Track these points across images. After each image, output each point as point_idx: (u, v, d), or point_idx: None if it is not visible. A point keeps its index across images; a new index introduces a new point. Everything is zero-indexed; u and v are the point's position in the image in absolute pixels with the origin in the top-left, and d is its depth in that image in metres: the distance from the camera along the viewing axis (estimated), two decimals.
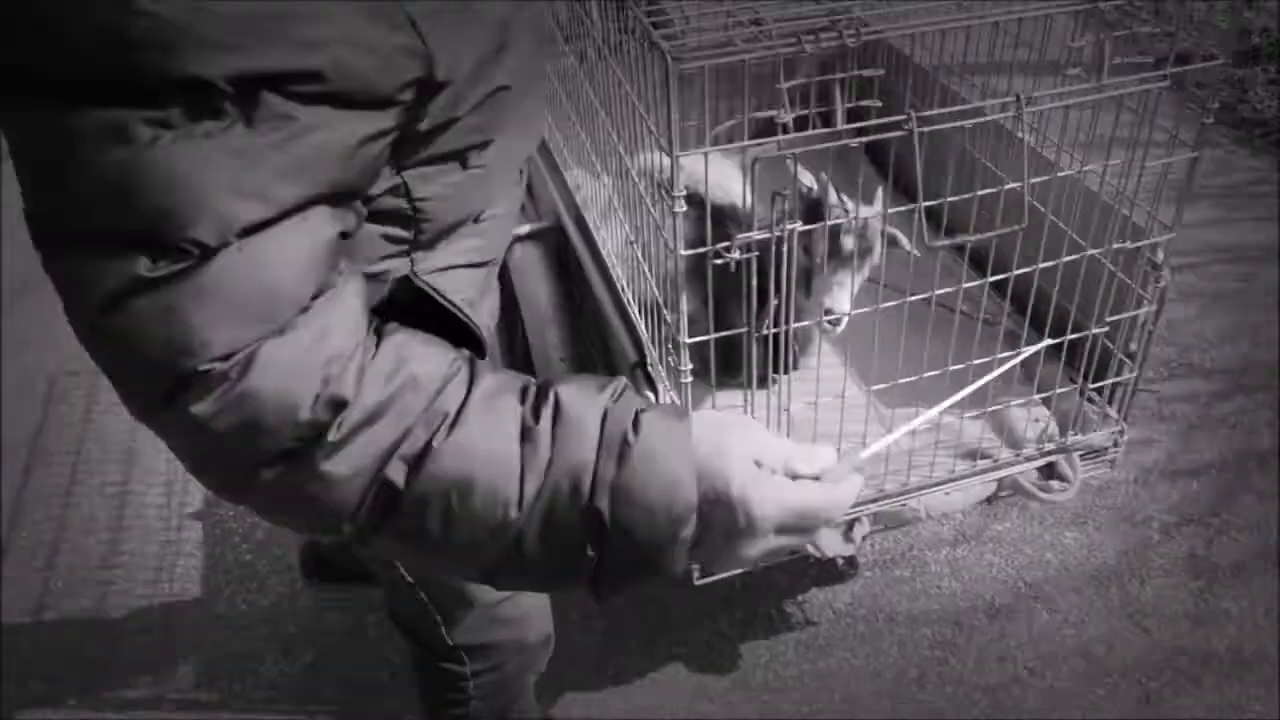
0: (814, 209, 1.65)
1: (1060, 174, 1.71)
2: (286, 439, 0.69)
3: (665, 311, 1.48)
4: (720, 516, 0.77)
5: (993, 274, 1.61)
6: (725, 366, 1.49)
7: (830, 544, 1.68)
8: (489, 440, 0.73)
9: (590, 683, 2.08)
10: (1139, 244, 1.59)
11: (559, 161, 2.02)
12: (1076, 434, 1.76)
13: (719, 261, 1.32)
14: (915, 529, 2.35)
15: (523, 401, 0.75)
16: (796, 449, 0.83)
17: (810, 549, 1.68)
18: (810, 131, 1.24)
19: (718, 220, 1.46)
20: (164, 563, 2.40)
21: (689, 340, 1.42)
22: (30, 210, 0.67)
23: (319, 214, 0.70)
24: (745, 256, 1.34)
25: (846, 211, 1.66)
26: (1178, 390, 2.69)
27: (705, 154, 1.27)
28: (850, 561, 2.29)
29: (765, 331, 1.42)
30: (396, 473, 0.71)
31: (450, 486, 0.72)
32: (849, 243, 1.69)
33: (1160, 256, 1.63)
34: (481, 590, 1.36)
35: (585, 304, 1.86)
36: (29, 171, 0.66)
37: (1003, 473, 1.74)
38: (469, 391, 0.74)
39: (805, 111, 1.75)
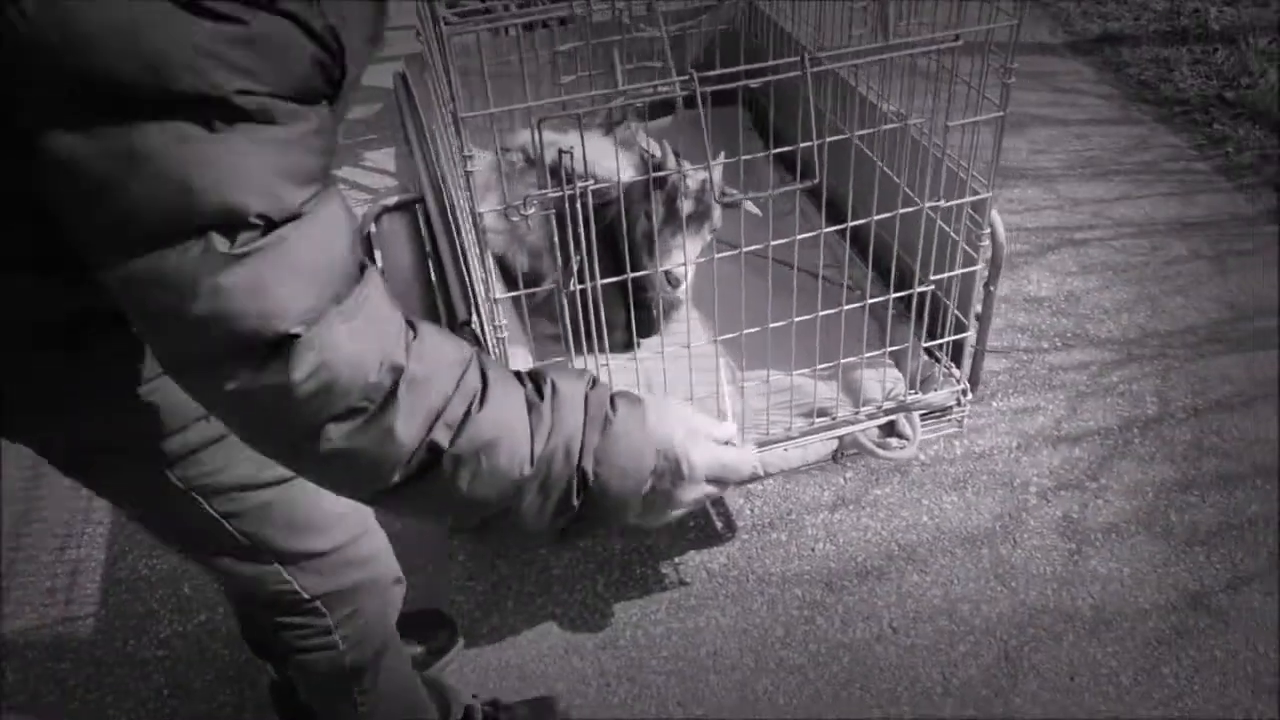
0: (656, 170, 1.71)
1: (880, 129, 1.77)
2: (356, 399, 0.82)
3: (475, 268, 1.53)
4: (667, 468, 1.01)
5: (839, 229, 1.68)
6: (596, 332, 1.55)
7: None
8: (508, 412, 0.91)
9: (467, 638, 2.13)
10: (953, 202, 1.64)
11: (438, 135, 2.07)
12: (916, 393, 1.81)
13: (515, 219, 1.37)
14: (795, 493, 2.41)
15: (523, 384, 0.95)
16: (710, 422, 1.08)
17: None
18: (593, 92, 1.28)
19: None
20: (73, 530, 2.46)
21: (500, 296, 1.48)
22: (94, 224, 0.77)
23: (337, 191, 0.85)
24: (543, 213, 1.40)
25: (684, 176, 1.72)
26: (1070, 360, 2.75)
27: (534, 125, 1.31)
28: (728, 524, 2.34)
29: (572, 288, 1.47)
30: (441, 435, 0.87)
31: (481, 448, 0.89)
32: (686, 206, 1.74)
33: (986, 214, 1.67)
34: (327, 536, 1.39)
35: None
36: (90, 187, 0.75)
37: (841, 431, 1.79)
38: (485, 372, 0.91)
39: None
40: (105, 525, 2.45)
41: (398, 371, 0.84)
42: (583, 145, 1.30)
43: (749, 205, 1.72)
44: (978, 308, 1.82)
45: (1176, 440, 2.50)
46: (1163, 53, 4.14)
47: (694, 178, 1.81)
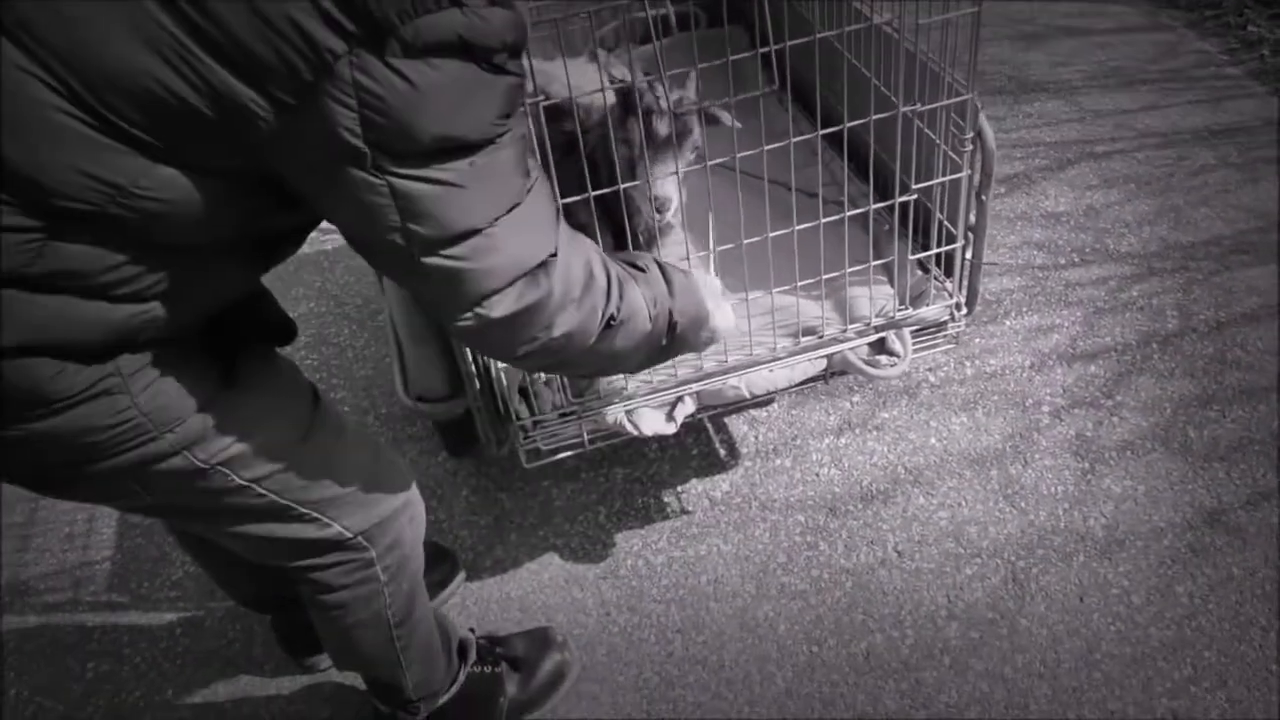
0: (625, 98, 1.65)
1: (854, 27, 1.69)
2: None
3: None
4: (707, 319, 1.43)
5: (808, 138, 1.62)
6: None
7: (651, 423, 1.70)
8: (632, 289, 1.26)
9: (469, 572, 2.14)
10: (931, 105, 1.58)
11: None
12: (906, 308, 1.76)
13: None
14: (800, 418, 2.37)
15: (639, 280, 1.30)
16: (714, 283, 1.55)
17: (630, 429, 1.71)
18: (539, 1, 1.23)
19: (556, 113, 1.48)
20: None
21: None
22: (369, 139, 0.94)
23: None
24: None
25: (657, 98, 1.66)
26: (1088, 275, 2.66)
27: None
28: (731, 451, 2.31)
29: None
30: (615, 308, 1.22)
31: (628, 317, 1.24)
32: (663, 128, 1.68)
33: (971, 118, 1.61)
34: (358, 473, 1.39)
35: None
36: (382, 106, 0.92)
37: (829, 349, 1.75)
38: (617, 264, 1.27)
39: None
40: None
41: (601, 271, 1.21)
42: (529, 60, 1.25)
43: (724, 116, 1.66)
44: (972, 219, 1.76)
45: (1198, 355, 2.42)
46: None
47: (667, 98, 1.75)
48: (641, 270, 1.31)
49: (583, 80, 1.56)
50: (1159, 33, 3.62)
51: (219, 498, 1.27)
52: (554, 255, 1.11)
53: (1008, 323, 2.56)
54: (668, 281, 1.33)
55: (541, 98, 1.33)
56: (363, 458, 1.42)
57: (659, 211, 1.74)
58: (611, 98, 1.81)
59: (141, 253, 1.02)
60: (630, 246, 1.85)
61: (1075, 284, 2.64)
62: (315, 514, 1.38)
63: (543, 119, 1.40)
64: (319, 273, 2.99)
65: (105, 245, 1.00)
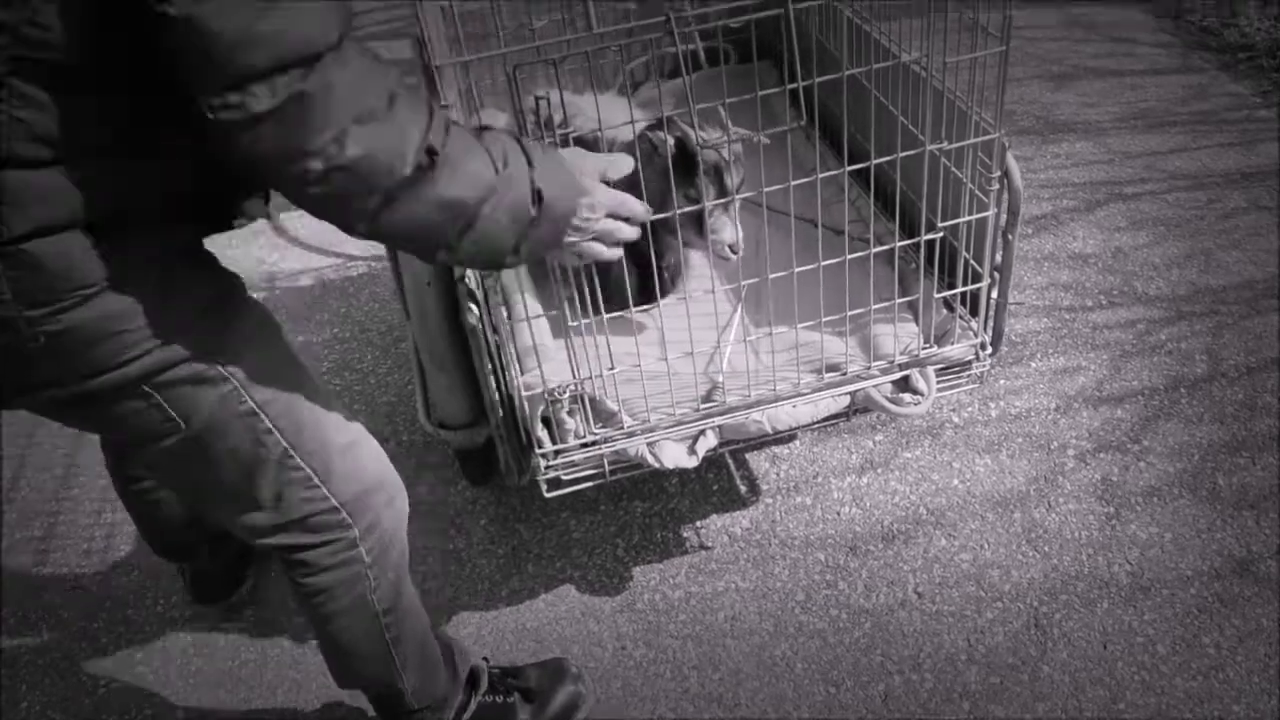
0: (682, 151, 1.66)
1: (881, 65, 1.69)
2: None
3: None
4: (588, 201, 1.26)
5: (834, 175, 1.62)
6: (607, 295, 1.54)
7: (673, 456, 1.70)
8: (470, 137, 1.14)
9: (485, 602, 2.13)
10: (959, 144, 1.57)
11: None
12: (931, 346, 1.75)
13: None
14: (821, 455, 2.35)
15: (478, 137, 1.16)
16: (602, 160, 1.32)
17: (652, 461, 1.70)
18: (568, 36, 1.24)
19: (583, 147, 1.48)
20: (109, 495, 2.49)
21: None
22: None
23: None
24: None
25: (717, 151, 1.66)
26: (1115, 318, 2.64)
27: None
28: (752, 488, 2.30)
29: None
30: (437, 138, 1.08)
31: (461, 154, 1.10)
32: (732, 178, 1.69)
33: (998, 157, 1.60)
34: (344, 431, 1.44)
35: None
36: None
37: (852, 386, 1.73)
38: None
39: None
40: None
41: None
42: (559, 92, 1.26)
43: (751, 135, 1.66)
44: (998, 258, 1.74)
45: (1227, 400, 2.39)
46: None
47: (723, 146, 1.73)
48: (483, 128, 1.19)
49: (612, 114, 1.56)
50: (1190, 75, 3.61)
51: (229, 425, 1.28)
52: (339, 47, 0.99)
53: (1033, 364, 2.54)
54: (526, 152, 1.18)
55: (570, 130, 1.33)
56: (343, 414, 1.44)
57: (732, 253, 1.75)
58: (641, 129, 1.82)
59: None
60: (656, 283, 1.85)
61: (1102, 326, 2.62)
62: (308, 469, 1.38)
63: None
64: (343, 299, 3.00)
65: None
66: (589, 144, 1.64)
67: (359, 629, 1.56)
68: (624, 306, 1.63)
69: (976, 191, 1.62)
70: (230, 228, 1.29)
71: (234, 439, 1.30)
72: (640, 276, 1.78)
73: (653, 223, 1.60)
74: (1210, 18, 3.87)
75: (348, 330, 2.89)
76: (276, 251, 3.20)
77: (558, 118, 1.37)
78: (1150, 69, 3.67)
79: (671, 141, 1.62)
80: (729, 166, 1.66)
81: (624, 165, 1.33)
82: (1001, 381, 2.49)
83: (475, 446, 1.95)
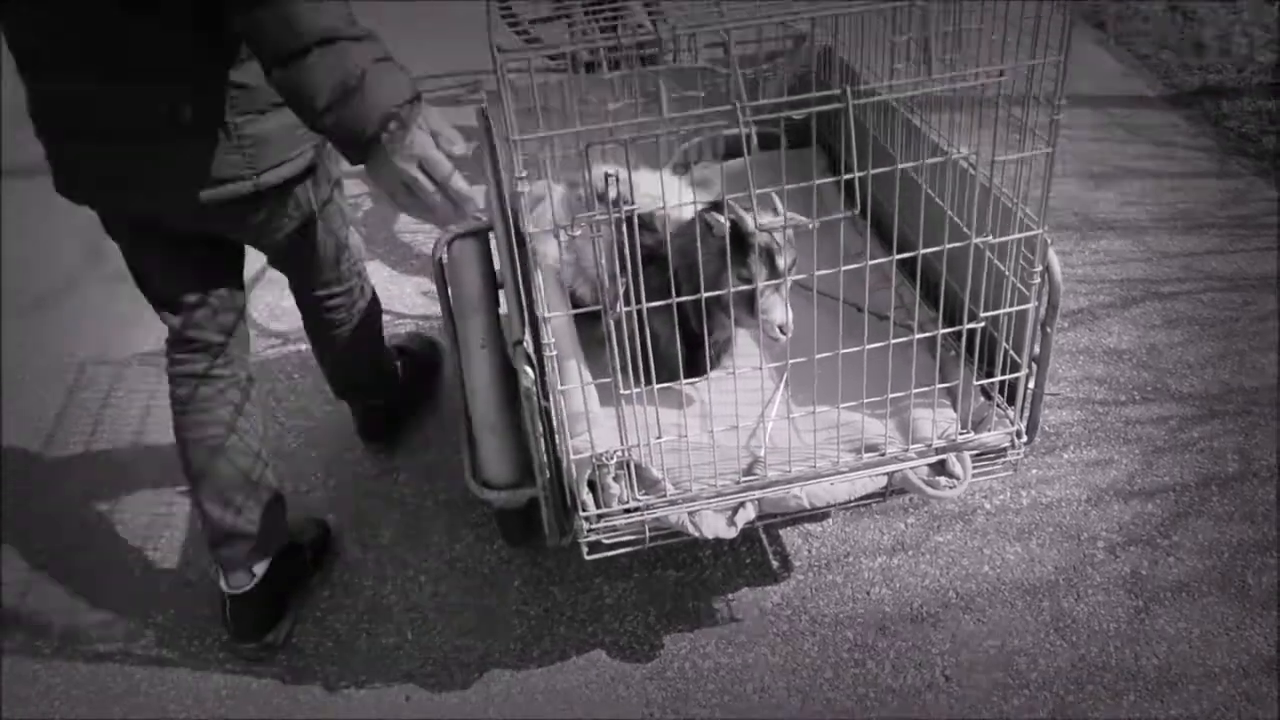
0: (736, 232, 1.74)
1: (930, 161, 1.77)
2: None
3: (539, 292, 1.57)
4: (411, 116, 1.38)
5: (884, 261, 1.68)
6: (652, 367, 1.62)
7: (712, 526, 1.74)
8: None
9: (516, 662, 2.16)
10: (1003, 238, 1.63)
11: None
12: (968, 432, 1.79)
13: (572, 236, 1.41)
14: (854, 535, 2.39)
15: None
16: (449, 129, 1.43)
17: (692, 530, 1.74)
18: (641, 119, 1.31)
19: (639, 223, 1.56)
20: (151, 532, 2.56)
21: (548, 315, 1.51)
22: None
23: None
24: (593, 236, 1.43)
25: (770, 234, 1.73)
26: (1148, 413, 2.67)
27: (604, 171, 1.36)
28: (784, 563, 2.33)
29: (618, 311, 1.50)
30: None
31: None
32: (784, 260, 1.76)
33: (1040, 252, 1.66)
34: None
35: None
36: None
37: (890, 467, 1.78)
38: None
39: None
40: (181, 530, 2.55)
41: None
42: (629, 171, 1.33)
43: (802, 220, 1.73)
44: (1036, 349, 1.79)
45: (1258, 500, 2.41)
46: (1266, 105, 4.03)
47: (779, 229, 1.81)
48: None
49: (668, 193, 1.64)
50: (1228, 179, 3.68)
51: (332, 213, 2.05)
52: None
53: (1065, 455, 2.57)
54: (382, 51, 1.40)
55: (628, 207, 1.41)
56: None
57: (782, 333, 1.81)
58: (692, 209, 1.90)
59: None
60: (705, 356, 1.92)
61: (1135, 421, 2.65)
62: (351, 247, 2.21)
63: (627, 228, 1.47)
64: None
65: None
66: (645, 221, 1.72)
67: (363, 342, 2.38)
68: (673, 378, 1.69)
69: (1018, 284, 1.67)
70: None
71: (333, 223, 2.07)
72: (690, 351, 1.84)
73: (706, 299, 1.67)
74: (1248, 124, 3.95)
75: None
76: None
77: (623, 192, 1.44)
78: (1189, 172, 3.74)
79: (727, 223, 1.69)
80: (781, 249, 1.72)
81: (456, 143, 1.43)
82: (1034, 471, 2.52)
83: (517, 507, 2.00)
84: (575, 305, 1.98)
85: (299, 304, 2.31)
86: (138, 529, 2.58)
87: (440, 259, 2.01)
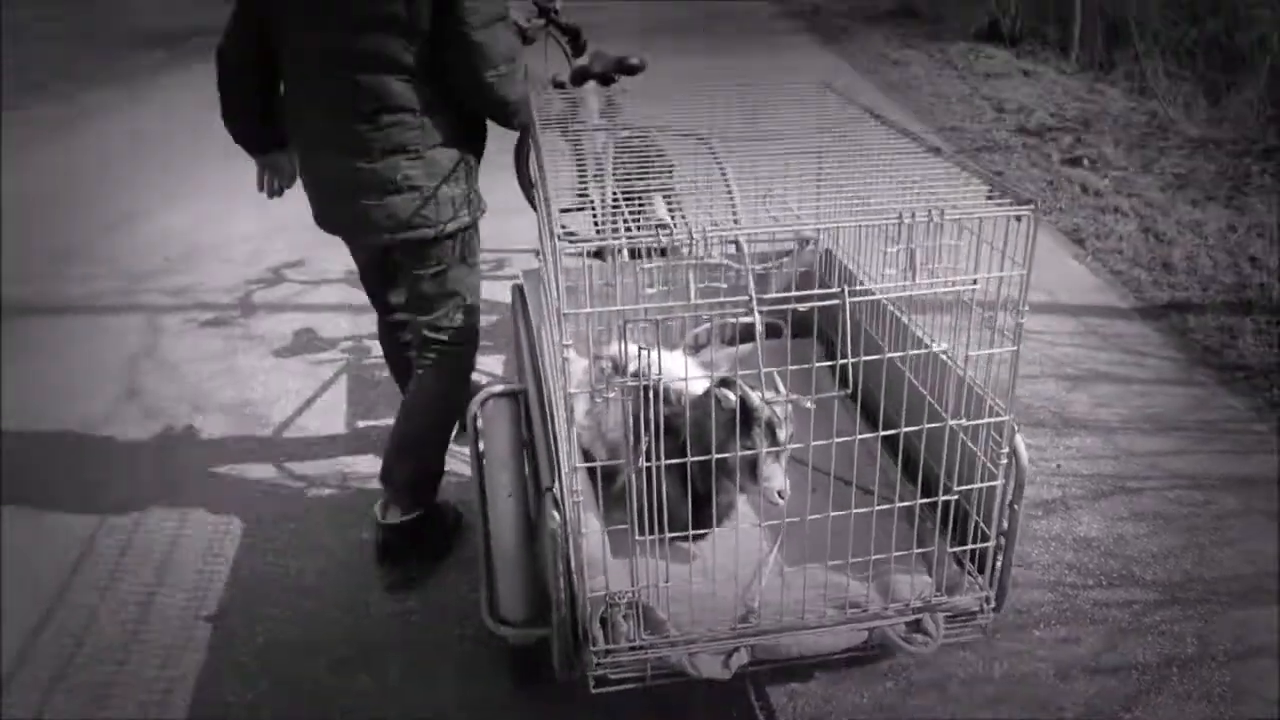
0: (744, 407, 2.02)
1: (903, 354, 2.04)
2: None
3: (561, 445, 1.82)
4: None
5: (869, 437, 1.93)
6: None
7: (709, 667, 1.93)
8: None
9: None
10: (974, 422, 1.90)
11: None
12: (941, 595, 2.01)
13: (606, 399, 1.68)
14: (836, 695, 2.55)
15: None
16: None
17: (690, 670, 1.93)
18: (670, 303, 1.59)
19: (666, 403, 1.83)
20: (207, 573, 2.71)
21: (578, 465, 1.76)
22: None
23: None
24: (622, 399, 1.69)
25: (774, 414, 2.01)
26: (1114, 597, 2.87)
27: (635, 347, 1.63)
28: (769, 718, 2.48)
29: (642, 464, 1.74)
30: None
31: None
32: (784, 433, 2.03)
33: (1007, 436, 1.92)
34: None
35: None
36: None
37: (870, 623, 1.98)
38: None
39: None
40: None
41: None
42: (659, 350, 1.61)
43: (804, 401, 2.00)
44: (1004, 524, 2.03)
45: (1215, 681, 2.58)
46: (1228, 321, 4.38)
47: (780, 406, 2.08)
48: None
49: (681, 369, 1.92)
50: (1193, 387, 3.98)
51: (468, 266, 2.84)
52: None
53: (1036, 632, 2.75)
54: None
55: (646, 381, 1.68)
56: None
57: (780, 498, 2.06)
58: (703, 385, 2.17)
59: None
60: (712, 514, 2.15)
61: (1102, 604, 2.85)
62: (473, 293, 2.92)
63: (651, 395, 1.74)
64: None
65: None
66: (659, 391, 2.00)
67: (440, 398, 2.93)
68: (683, 531, 1.92)
69: (988, 464, 1.92)
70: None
71: (464, 273, 2.83)
72: (697, 510, 2.08)
73: (717, 462, 1.92)
74: (1211, 338, 4.28)
75: None
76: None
77: (631, 367, 1.72)
78: (1157, 379, 4.04)
79: (737, 398, 1.96)
80: (782, 423, 1.98)
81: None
82: (1005, 644, 2.70)
83: (528, 644, 2.18)
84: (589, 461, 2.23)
85: (413, 340, 2.99)
86: (199, 546, 2.73)
87: (475, 416, 2.26)
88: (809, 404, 1.88)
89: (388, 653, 2.71)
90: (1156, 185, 6.21)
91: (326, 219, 2.82)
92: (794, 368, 1.74)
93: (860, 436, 1.92)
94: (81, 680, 2.63)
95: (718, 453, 1.96)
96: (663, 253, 2.62)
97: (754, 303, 1.56)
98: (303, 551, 3.12)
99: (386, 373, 3.50)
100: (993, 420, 1.92)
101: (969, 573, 2.09)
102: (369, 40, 2.47)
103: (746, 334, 2.90)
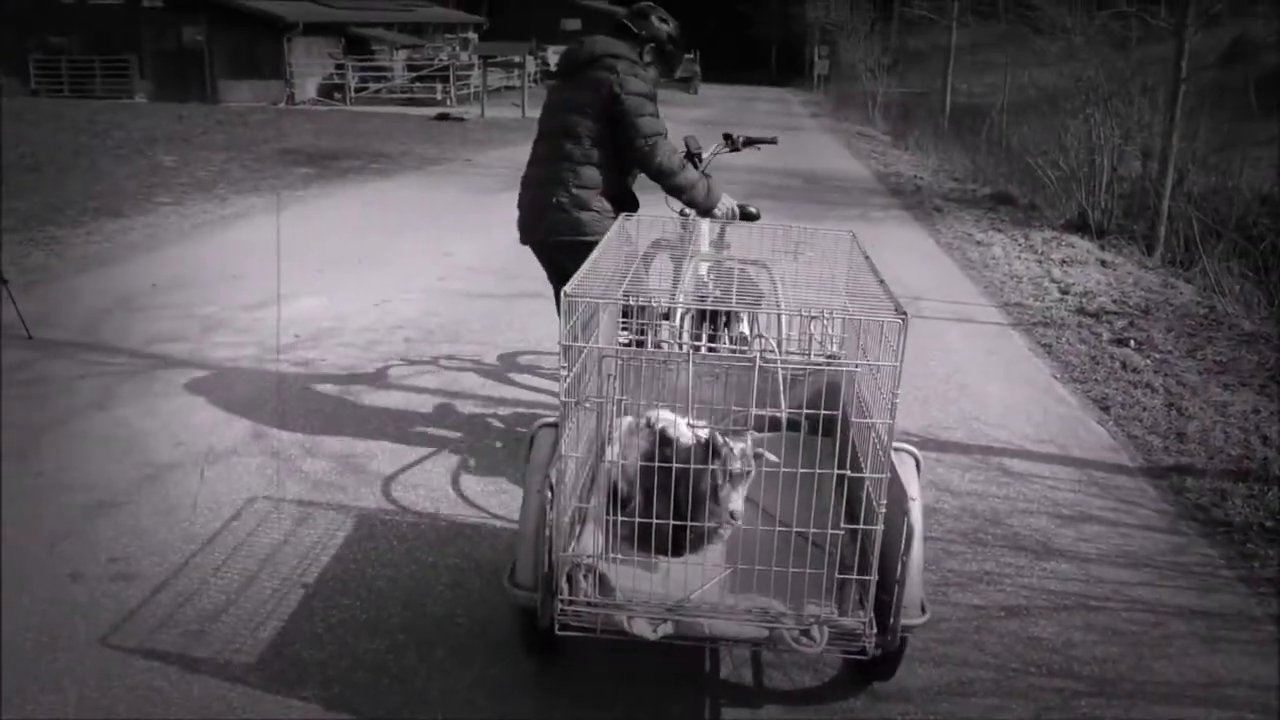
0: (713, 446, 2.69)
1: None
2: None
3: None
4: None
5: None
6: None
7: (640, 628, 2.60)
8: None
9: None
10: (857, 474, 2.55)
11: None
12: (828, 607, 2.61)
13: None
14: None
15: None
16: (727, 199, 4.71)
17: (626, 627, 2.61)
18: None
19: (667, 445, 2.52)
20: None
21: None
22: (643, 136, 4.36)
23: None
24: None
25: (731, 450, 2.68)
26: (1049, 683, 3.30)
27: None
28: None
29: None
30: None
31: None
32: (738, 466, 2.69)
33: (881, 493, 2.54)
34: None
35: None
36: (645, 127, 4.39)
37: (771, 622, 2.63)
38: None
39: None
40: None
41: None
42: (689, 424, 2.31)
43: (770, 457, 2.66)
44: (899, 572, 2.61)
45: None
46: (1221, 485, 4.77)
47: (738, 454, 2.73)
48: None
49: (679, 429, 2.61)
50: (1175, 535, 4.37)
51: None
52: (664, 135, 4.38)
53: (973, 699, 3.20)
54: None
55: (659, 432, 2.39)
56: None
57: (733, 518, 2.69)
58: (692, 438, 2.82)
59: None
60: (685, 539, 2.77)
61: (1036, 687, 3.28)
62: None
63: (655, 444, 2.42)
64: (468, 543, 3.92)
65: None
66: (666, 439, 2.68)
67: None
68: (660, 544, 2.56)
69: (864, 510, 2.57)
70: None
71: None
72: (676, 529, 2.71)
73: (696, 495, 2.58)
74: (1204, 498, 4.68)
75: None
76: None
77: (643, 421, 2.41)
78: (1143, 525, 4.45)
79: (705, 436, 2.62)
80: (740, 464, 2.64)
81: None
82: (945, 705, 3.16)
83: (530, 607, 2.80)
84: (615, 491, 2.94)
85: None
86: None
87: (531, 438, 2.96)
88: (773, 457, 2.52)
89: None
90: (1195, 369, 6.66)
91: (530, 231, 4.60)
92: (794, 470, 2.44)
93: (791, 469, 2.56)
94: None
95: (696, 485, 2.60)
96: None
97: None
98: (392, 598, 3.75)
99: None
100: (869, 475, 2.57)
101: (860, 602, 2.66)
102: (571, 119, 4.41)
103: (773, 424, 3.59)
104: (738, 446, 2.64)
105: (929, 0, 30.45)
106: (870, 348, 2.69)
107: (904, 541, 2.56)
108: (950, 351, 6.89)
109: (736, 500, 2.67)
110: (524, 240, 4.64)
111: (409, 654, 3.22)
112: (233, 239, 9.55)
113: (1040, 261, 10.18)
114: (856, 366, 2.53)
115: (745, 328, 4.54)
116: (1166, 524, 4.50)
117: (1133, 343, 7.17)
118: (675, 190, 4.39)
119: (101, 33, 32.05)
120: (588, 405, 2.81)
